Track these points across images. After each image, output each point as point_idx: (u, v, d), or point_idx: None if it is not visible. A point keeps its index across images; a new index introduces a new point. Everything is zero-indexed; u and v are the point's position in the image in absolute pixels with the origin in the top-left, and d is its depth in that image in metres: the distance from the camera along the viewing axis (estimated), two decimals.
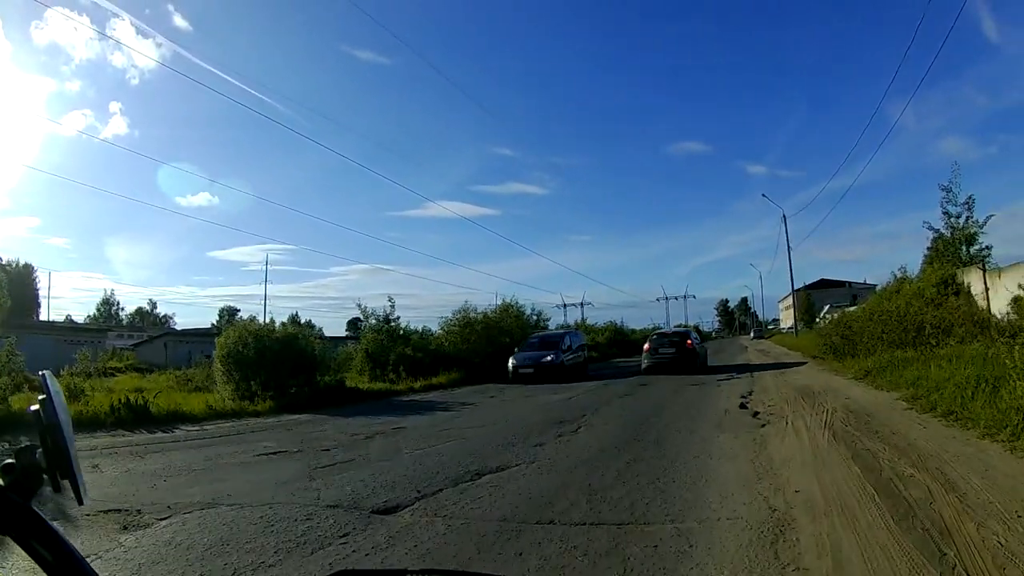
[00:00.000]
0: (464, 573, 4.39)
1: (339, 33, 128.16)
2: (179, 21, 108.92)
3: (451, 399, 22.17)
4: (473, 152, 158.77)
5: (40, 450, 1.20)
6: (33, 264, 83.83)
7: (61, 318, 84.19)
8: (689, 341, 31.24)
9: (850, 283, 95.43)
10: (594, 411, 16.28)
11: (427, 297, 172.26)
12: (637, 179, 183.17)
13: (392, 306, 34.50)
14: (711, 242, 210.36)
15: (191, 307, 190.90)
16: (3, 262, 71.35)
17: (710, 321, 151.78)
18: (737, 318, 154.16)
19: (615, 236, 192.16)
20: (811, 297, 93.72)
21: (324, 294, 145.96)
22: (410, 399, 23.45)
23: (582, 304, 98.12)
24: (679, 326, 75.51)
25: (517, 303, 42.83)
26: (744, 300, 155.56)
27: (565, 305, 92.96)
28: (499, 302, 42.69)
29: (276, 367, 22.06)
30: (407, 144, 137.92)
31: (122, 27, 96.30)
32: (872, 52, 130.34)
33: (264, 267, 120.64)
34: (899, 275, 30.35)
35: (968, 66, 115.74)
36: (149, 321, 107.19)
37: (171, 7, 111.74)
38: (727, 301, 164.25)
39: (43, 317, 75.37)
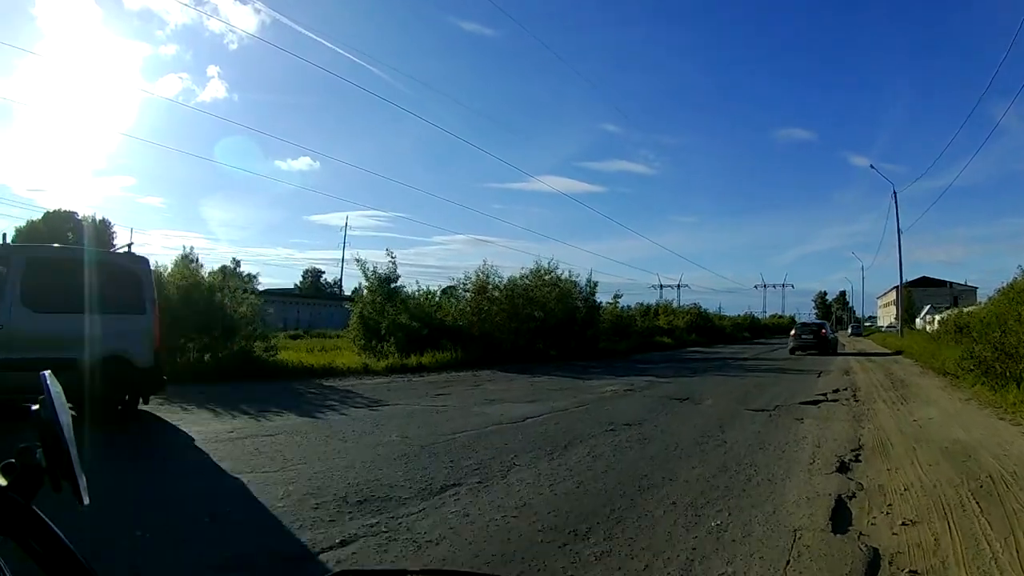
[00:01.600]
0: (464, 573, 4.02)
1: (443, 3, 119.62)
2: None
3: (399, 389, 17.13)
4: (579, 128, 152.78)
5: (40, 450, 1.15)
6: (109, 220, 79.80)
7: None
8: (824, 331, 38.77)
9: (951, 283, 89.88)
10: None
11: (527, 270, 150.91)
12: (742, 163, 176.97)
13: (393, 262, 28.87)
14: (812, 232, 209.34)
15: (283, 268, 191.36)
16: (79, 217, 74.47)
17: (807, 312, 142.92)
18: (834, 312, 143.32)
19: (718, 220, 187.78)
20: (912, 295, 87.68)
21: (423, 262, 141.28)
22: (343, 385, 17.92)
23: (678, 286, 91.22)
24: (816, 318, 74.81)
25: (557, 269, 34.49)
26: (843, 294, 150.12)
27: (662, 286, 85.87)
28: (533, 266, 34.61)
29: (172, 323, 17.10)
30: (511, 117, 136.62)
31: None
32: (981, 48, 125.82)
33: (346, 232, 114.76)
34: None
35: None
36: (233, 279, 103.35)
37: None
38: (825, 293, 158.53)
39: None
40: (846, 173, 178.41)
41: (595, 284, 36.48)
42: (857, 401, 15.10)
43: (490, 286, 31.28)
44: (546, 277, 33.42)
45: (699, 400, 14.90)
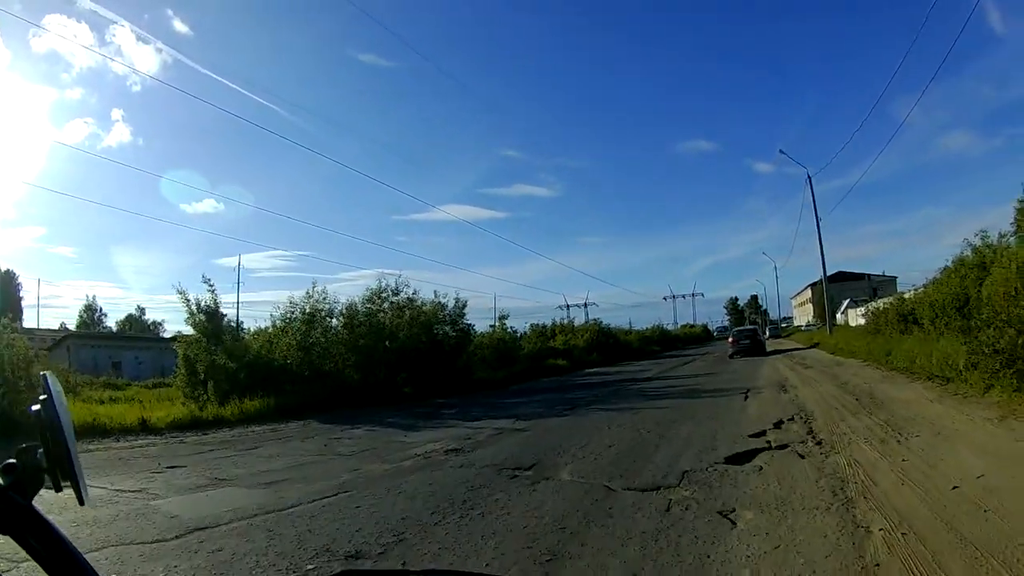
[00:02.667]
0: (464, 573, 4.19)
1: (340, 37, 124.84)
2: (179, 26, 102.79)
3: (116, 463, 12.73)
4: (480, 155, 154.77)
5: (41, 450, 1.16)
6: (14, 271, 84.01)
7: (55, 325, 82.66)
8: (758, 334, 44.36)
9: (869, 276, 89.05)
10: None
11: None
12: (645, 179, 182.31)
13: (211, 288, 23.92)
14: (720, 242, 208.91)
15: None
16: None
17: (719, 320, 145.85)
18: (748, 316, 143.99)
19: (624, 237, 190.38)
20: (828, 291, 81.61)
21: (332, 299, 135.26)
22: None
23: (585, 305, 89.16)
24: (730, 324, 77.90)
25: (408, 289, 29.04)
26: (754, 298, 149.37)
27: (568, 306, 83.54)
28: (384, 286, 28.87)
29: None
30: (413, 148, 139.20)
31: (122, 33, 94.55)
32: (878, 48, 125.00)
33: (239, 272, 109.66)
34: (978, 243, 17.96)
35: (971, 60, 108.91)
36: (138, 328, 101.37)
37: (170, 11, 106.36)
38: (736, 299, 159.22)
39: (29, 324, 69.57)
40: (751, 180, 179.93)
41: (464, 305, 30.84)
42: (820, 444, 9.40)
43: (320, 314, 25.83)
44: (393, 299, 27.99)
45: (549, 470, 8.97)
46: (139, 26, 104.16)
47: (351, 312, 26.49)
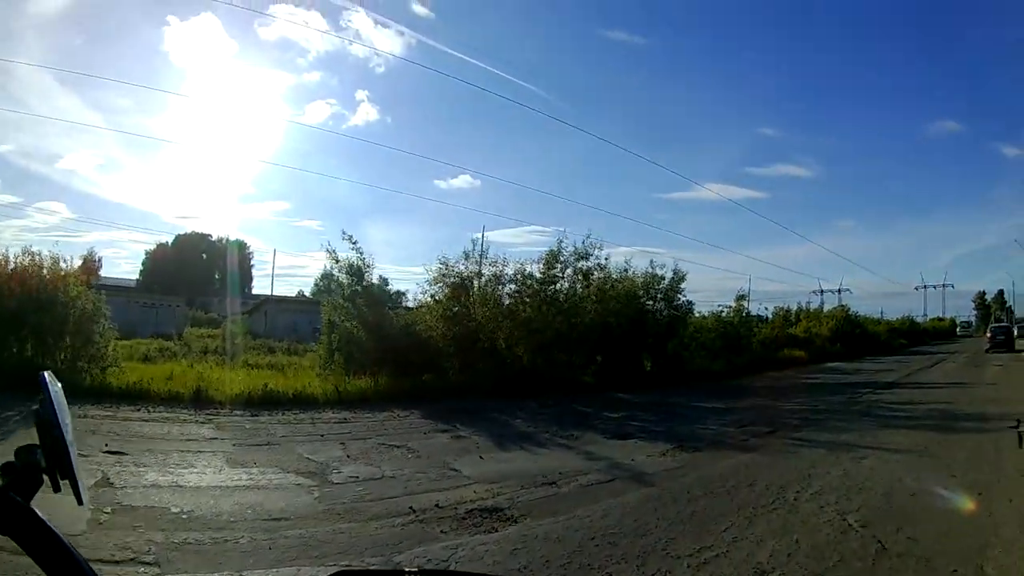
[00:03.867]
0: (462, 573, 4.27)
1: (586, 14, 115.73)
2: (419, 8, 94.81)
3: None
4: (738, 133, 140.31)
5: (40, 450, 1.17)
6: (247, 242, 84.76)
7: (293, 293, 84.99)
8: (1012, 331, 48.39)
9: None
10: None
11: (696, 281, 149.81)
12: (899, 162, 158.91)
13: (356, 247, 20.11)
14: (972, 230, 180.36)
15: None
16: (212, 239, 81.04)
17: (967, 313, 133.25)
18: (994, 313, 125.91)
19: (879, 221, 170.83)
20: None
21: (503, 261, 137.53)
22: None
23: (839, 291, 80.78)
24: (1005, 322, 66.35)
25: (599, 253, 23.02)
26: (1000, 293, 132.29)
27: (822, 291, 75.57)
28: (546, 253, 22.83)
29: None
30: (669, 125, 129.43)
31: (358, 19, 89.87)
32: None
33: (482, 244, 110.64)
34: None
35: None
36: None
37: None
38: (984, 293, 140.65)
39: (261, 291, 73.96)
40: (1002, 165, 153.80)
41: (681, 278, 24.90)
42: None
43: (479, 279, 21.14)
44: (579, 265, 22.31)
45: None
46: (376, 11, 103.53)
47: (522, 279, 21.51)
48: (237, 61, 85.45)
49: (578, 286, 22.17)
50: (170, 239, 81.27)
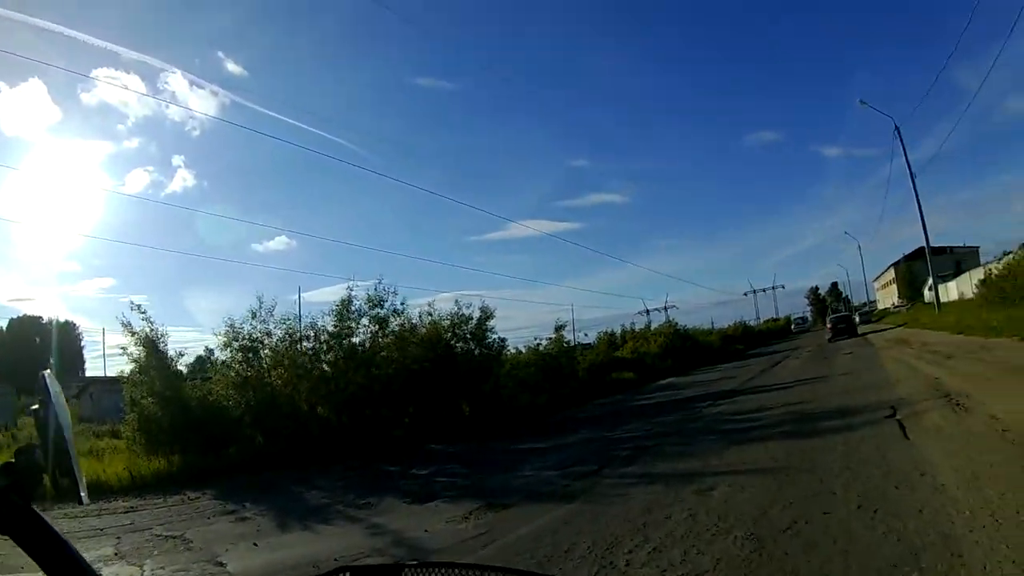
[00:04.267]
0: (461, 565, 2.70)
1: (395, 63, 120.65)
2: (232, 67, 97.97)
3: None
4: (549, 167, 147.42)
5: (40, 450, 1.17)
6: (75, 323, 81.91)
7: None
8: (851, 318, 52.34)
9: (951, 248, 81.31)
10: None
11: (520, 318, 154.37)
12: (715, 176, 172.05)
13: (145, 316, 18.74)
14: (795, 232, 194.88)
15: None
16: (44, 321, 78.70)
17: (800, 310, 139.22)
18: (830, 304, 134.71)
19: (700, 236, 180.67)
20: (912, 268, 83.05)
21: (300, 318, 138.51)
22: None
23: (665, 308, 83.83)
24: (843, 312, 72.80)
25: (393, 298, 22.10)
26: (834, 285, 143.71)
27: (648, 311, 78.20)
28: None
29: None
30: (481, 167, 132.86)
31: (174, 80, 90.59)
32: (937, 19, 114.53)
33: (299, 303, 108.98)
34: None
35: None
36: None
37: (221, 54, 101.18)
38: (817, 288, 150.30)
39: (95, 373, 69.85)
40: (819, 167, 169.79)
41: (488, 316, 24.31)
42: None
43: (273, 340, 19.63)
44: (373, 313, 21.20)
45: None
46: (191, 71, 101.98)
47: (315, 334, 20.36)
48: (61, 128, 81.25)
49: (378, 336, 21.24)
50: (3, 324, 78.95)
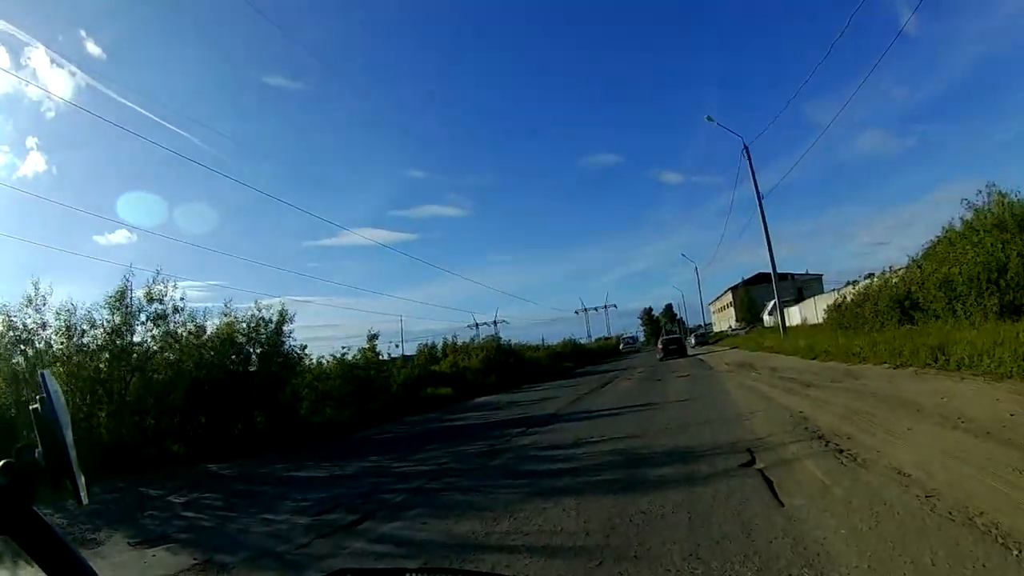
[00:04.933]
0: (463, 572, 4.25)
1: (248, 58, 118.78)
2: (92, 48, 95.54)
3: None
4: (386, 177, 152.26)
5: (39, 450, 1.14)
6: None
7: None
8: (681, 340, 55.53)
9: (793, 275, 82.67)
10: None
11: (350, 327, 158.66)
12: (553, 195, 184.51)
13: None
14: (631, 254, 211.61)
15: None
16: None
17: (633, 330, 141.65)
18: (663, 325, 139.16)
19: (535, 253, 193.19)
20: (751, 293, 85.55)
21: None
22: None
23: (495, 322, 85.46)
24: (674, 334, 72.58)
25: (171, 295, 19.69)
26: (669, 306, 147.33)
27: (477, 325, 79.81)
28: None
29: None
30: (320, 172, 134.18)
31: (37, 56, 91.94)
32: (787, 54, 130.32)
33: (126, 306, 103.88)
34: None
35: (885, 60, 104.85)
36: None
37: (83, 32, 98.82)
38: (651, 309, 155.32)
39: None
40: (659, 191, 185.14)
41: (283, 319, 22.33)
42: None
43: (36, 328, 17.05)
44: (151, 309, 18.76)
45: None
46: (53, 48, 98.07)
47: (91, 327, 17.67)
48: None
49: (156, 334, 18.91)
50: None
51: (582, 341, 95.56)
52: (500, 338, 51.32)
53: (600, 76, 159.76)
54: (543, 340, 75.15)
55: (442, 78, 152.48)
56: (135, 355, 17.87)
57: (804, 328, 41.55)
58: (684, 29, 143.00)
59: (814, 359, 22.96)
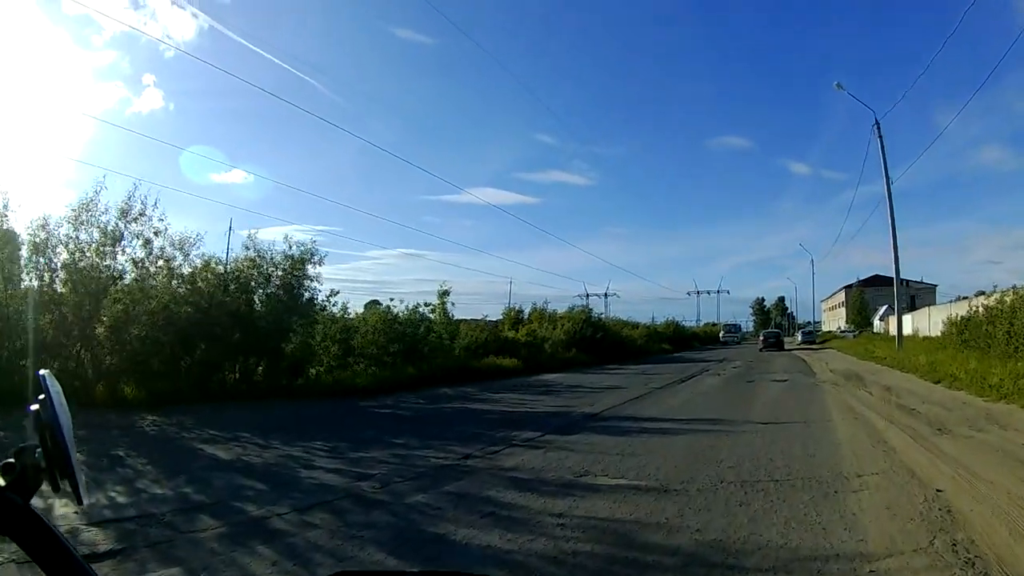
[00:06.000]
0: (460, 572, 4.29)
1: (379, 8, 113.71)
2: None
3: None
4: (515, 138, 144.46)
5: (40, 449, 1.13)
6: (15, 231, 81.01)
7: None
8: (780, 336, 58.94)
9: (908, 282, 75.22)
10: None
11: (464, 284, 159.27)
12: (678, 173, 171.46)
13: None
14: (751, 241, 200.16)
15: None
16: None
17: (744, 320, 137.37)
18: (773, 318, 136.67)
19: (654, 230, 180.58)
20: (864, 295, 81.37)
21: (360, 278, 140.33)
22: None
23: (606, 295, 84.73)
24: (775, 328, 79.42)
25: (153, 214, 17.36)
26: (781, 299, 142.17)
27: (588, 295, 76.65)
28: None
29: None
30: (448, 128, 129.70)
31: None
32: (916, 55, 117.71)
33: (227, 242, 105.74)
34: None
35: (1013, 72, 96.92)
36: None
37: None
38: (763, 299, 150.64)
39: None
40: (786, 182, 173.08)
41: (308, 257, 19.50)
42: None
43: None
44: (130, 229, 16.43)
45: None
46: None
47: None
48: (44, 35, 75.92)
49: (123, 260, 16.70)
50: None
51: (687, 324, 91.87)
52: (591, 310, 47.16)
53: (738, 57, 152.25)
54: (653, 318, 72.23)
55: (577, 46, 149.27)
56: (95, 281, 15.60)
57: (918, 340, 36.79)
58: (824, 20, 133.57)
59: (937, 383, 18.49)
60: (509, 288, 59.11)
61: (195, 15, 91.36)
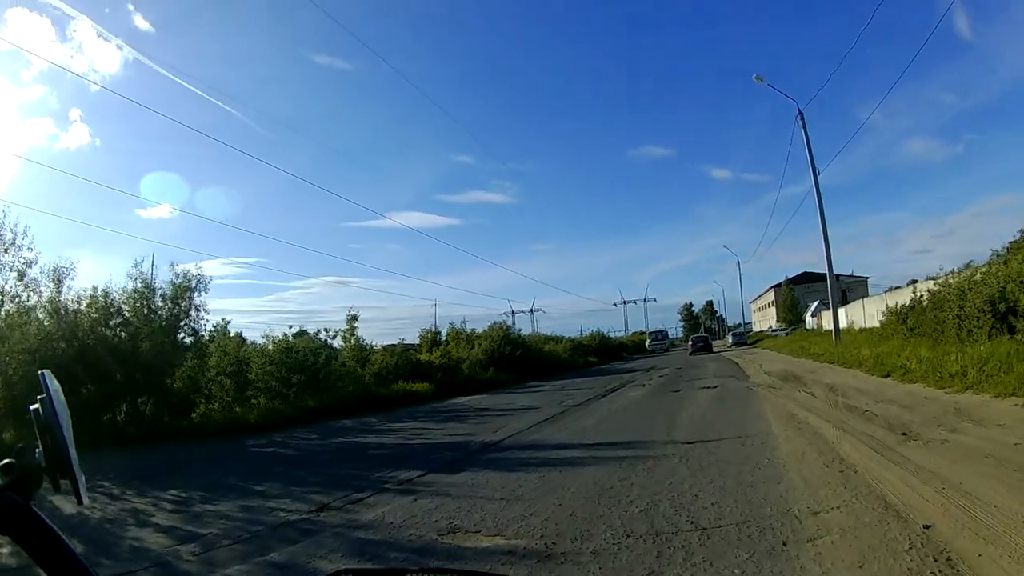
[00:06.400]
0: (464, 572, 4.09)
1: (300, 37, 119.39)
2: (140, 22, 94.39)
3: None
4: (434, 160, 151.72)
5: (39, 449, 1.14)
6: None
7: None
8: (708, 339, 63.96)
9: (838, 276, 77.89)
10: None
11: (391, 309, 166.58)
12: (599, 186, 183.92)
13: None
14: (675, 248, 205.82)
15: None
16: None
17: (673, 326, 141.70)
18: (703, 322, 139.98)
19: (577, 244, 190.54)
20: (794, 292, 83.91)
21: (285, 308, 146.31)
22: None
23: (531, 311, 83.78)
24: (704, 332, 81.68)
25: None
26: (709, 303, 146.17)
27: (513, 313, 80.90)
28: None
29: None
30: (368, 153, 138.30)
31: (83, 28, 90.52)
32: (839, 53, 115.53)
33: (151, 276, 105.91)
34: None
35: (935, 65, 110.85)
36: None
37: (131, 6, 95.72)
38: (691, 305, 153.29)
39: None
40: (708, 187, 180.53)
41: (189, 286, 18.89)
42: None
43: None
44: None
45: None
46: (100, 22, 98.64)
47: None
48: None
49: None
50: None
51: (615, 335, 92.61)
52: (510, 327, 46.92)
53: (654, 68, 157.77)
54: (580, 331, 73.01)
55: (493, 63, 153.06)
56: None
57: (855, 333, 36.06)
58: (739, 23, 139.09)
59: (887, 377, 17.45)
60: (434, 311, 59.17)
61: (119, 47, 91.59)
